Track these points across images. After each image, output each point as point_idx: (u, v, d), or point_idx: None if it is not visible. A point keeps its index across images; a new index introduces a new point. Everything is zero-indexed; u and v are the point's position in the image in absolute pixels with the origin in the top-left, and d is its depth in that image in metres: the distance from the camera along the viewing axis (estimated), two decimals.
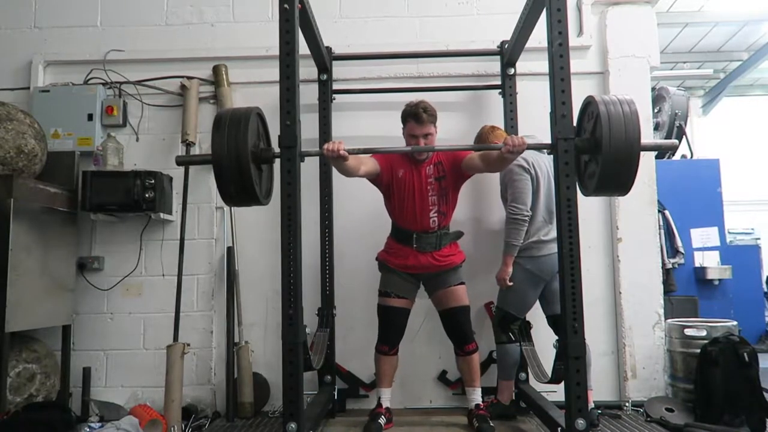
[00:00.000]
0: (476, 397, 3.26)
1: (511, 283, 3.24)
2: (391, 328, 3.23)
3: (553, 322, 3.31)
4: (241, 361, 3.58)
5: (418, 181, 3.15)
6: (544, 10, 2.60)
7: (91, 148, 3.76)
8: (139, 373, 3.71)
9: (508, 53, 3.64)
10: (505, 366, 3.38)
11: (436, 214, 3.16)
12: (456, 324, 3.23)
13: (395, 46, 3.86)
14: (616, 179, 2.44)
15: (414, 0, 3.96)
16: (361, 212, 3.76)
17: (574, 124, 2.53)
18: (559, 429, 2.56)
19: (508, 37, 3.59)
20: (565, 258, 2.46)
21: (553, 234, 3.10)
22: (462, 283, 3.25)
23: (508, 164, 2.93)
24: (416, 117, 3.04)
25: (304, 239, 2.58)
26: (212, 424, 3.48)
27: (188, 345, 3.48)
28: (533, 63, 3.72)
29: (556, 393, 3.00)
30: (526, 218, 3.20)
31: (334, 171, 3.50)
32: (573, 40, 3.39)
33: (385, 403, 3.26)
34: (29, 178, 3.32)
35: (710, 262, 5.22)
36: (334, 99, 3.81)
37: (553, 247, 3.08)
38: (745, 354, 3.20)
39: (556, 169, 2.51)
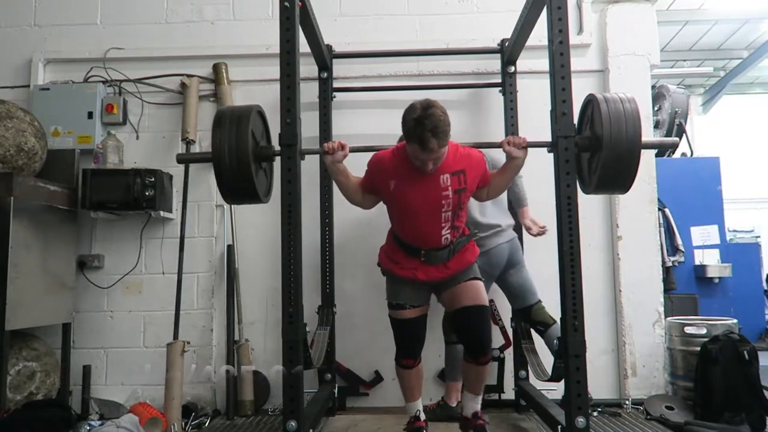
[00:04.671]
0: (476, 405, 2.82)
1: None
2: (411, 340, 2.75)
3: (525, 315, 3.30)
4: (242, 359, 3.59)
5: (428, 192, 2.54)
6: (545, 8, 2.60)
7: (91, 146, 3.76)
8: (139, 371, 3.71)
9: (509, 51, 3.64)
10: (454, 366, 3.28)
11: (449, 231, 2.62)
12: (470, 326, 2.65)
13: (396, 44, 3.86)
14: (616, 177, 2.44)
15: None
16: (362, 210, 3.74)
17: (575, 122, 2.53)
18: (559, 427, 2.56)
19: (508, 35, 3.58)
20: (566, 256, 2.45)
21: (503, 224, 3.21)
22: (477, 278, 2.74)
23: (514, 173, 2.72)
24: (423, 144, 2.36)
25: (305, 237, 2.58)
26: (212, 422, 3.48)
27: (188, 343, 3.48)
28: (534, 61, 3.71)
29: (556, 391, 3.01)
30: None
31: None
32: (573, 39, 3.39)
33: (423, 415, 2.86)
34: (29, 176, 3.32)
35: (710, 260, 5.23)
36: (335, 97, 3.80)
37: (500, 239, 3.17)
38: (745, 352, 3.20)
39: (557, 168, 2.51)
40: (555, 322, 3.20)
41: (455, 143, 2.62)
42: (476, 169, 2.63)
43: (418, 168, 2.51)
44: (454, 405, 3.30)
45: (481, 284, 2.73)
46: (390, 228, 2.86)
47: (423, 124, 2.33)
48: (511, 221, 3.34)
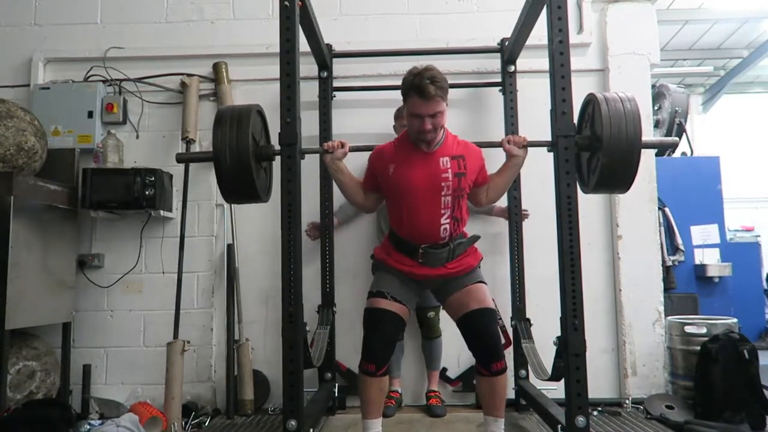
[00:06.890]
0: (497, 430, 2.56)
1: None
2: (380, 337, 2.51)
3: (419, 316, 3.52)
4: (241, 359, 3.59)
5: (426, 173, 2.51)
6: (545, 7, 2.60)
7: (91, 145, 3.76)
8: (139, 371, 3.71)
9: (509, 50, 3.64)
10: (440, 356, 3.56)
11: (448, 221, 2.52)
12: (478, 331, 2.50)
13: (395, 44, 3.85)
14: (616, 177, 2.44)
15: None
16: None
17: (575, 121, 2.53)
18: (559, 426, 2.56)
19: (508, 35, 3.58)
20: (566, 255, 2.45)
21: None
22: (482, 282, 2.64)
23: (514, 172, 2.69)
24: (421, 91, 2.37)
25: (305, 236, 2.58)
26: (212, 421, 3.48)
27: (188, 342, 3.48)
28: (534, 60, 3.71)
29: (556, 390, 3.01)
30: None
31: None
32: (573, 38, 3.39)
33: None
34: (29, 176, 3.32)
35: (710, 259, 5.23)
36: (335, 96, 3.80)
37: None
38: (745, 351, 3.21)
39: (556, 167, 2.51)
40: (440, 335, 3.52)
41: (454, 134, 2.65)
42: (474, 159, 2.61)
43: (417, 147, 2.55)
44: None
45: (486, 288, 2.63)
46: (388, 238, 2.78)
47: (421, 75, 2.41)
48: None
